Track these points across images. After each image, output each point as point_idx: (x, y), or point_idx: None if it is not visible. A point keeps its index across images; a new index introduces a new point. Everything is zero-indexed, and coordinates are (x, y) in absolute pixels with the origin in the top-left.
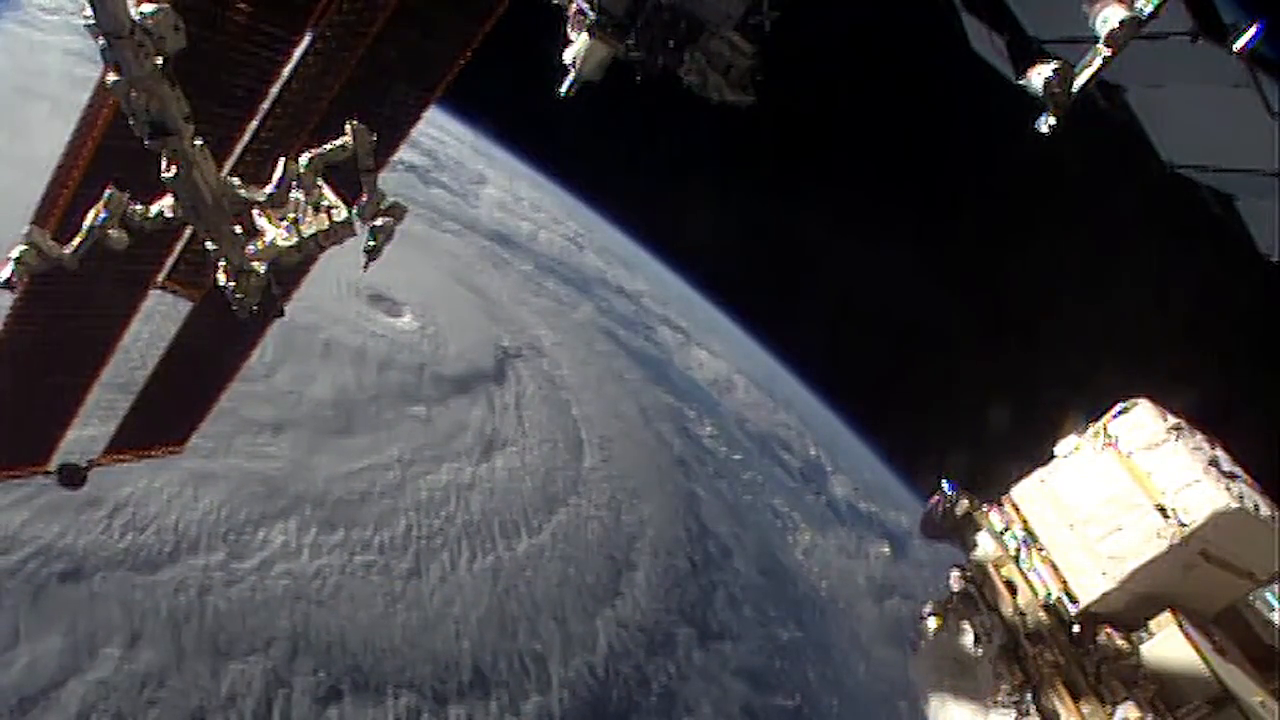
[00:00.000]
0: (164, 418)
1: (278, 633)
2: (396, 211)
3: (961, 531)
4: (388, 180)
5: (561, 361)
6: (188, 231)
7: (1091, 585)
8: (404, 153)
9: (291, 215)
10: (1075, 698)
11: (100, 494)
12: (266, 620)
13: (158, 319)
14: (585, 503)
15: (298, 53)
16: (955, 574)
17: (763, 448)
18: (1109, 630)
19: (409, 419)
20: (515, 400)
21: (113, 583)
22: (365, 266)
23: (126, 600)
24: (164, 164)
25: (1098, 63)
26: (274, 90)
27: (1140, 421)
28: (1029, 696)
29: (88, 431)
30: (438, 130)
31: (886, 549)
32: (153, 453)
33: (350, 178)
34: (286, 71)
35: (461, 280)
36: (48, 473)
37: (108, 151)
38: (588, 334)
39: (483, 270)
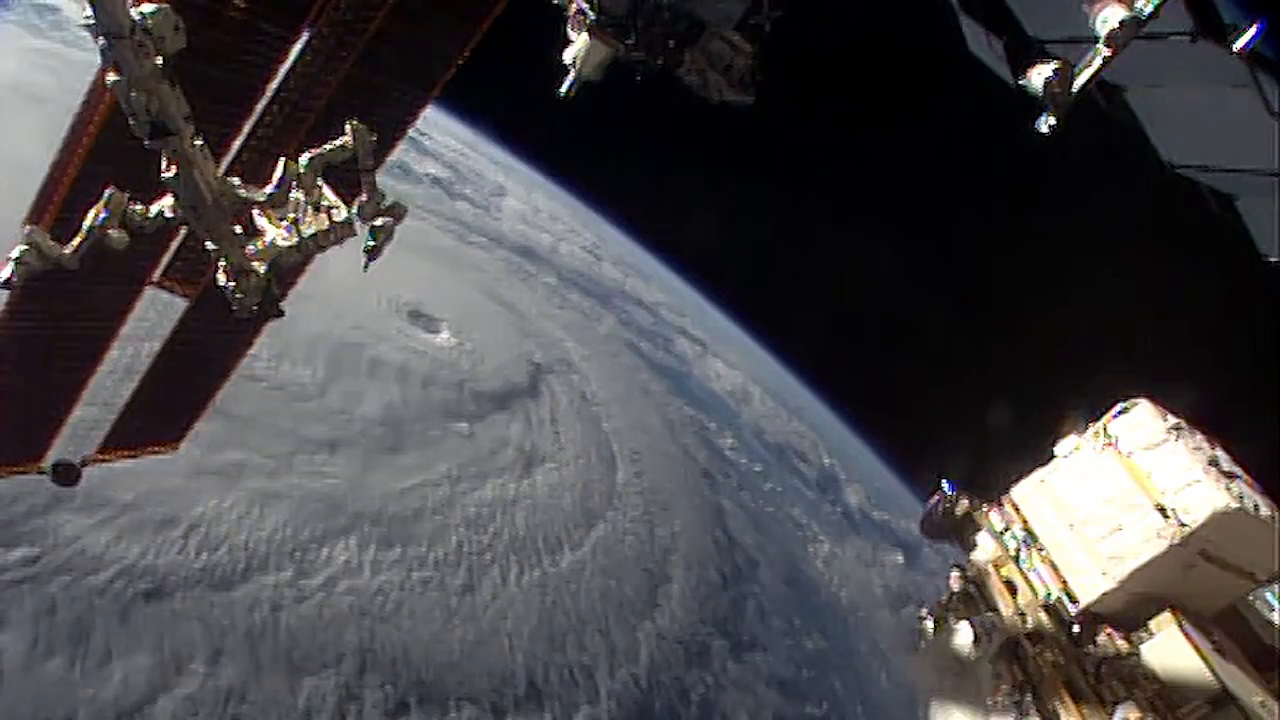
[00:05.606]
0: (159, 416)
1: (346, 648)
2: (396, 211)
3: (961, 531)
4: (416, 194)
5: (590, 376)
6: (183, 230)
7: (1091, 585)
8: (429, 165)
9: (291, 215)
10: (1075, 698)
11: (175, 514)
12: (335, 636)
13: (153, 317)
14: (621, 516)
15: (295, 50)
16: (955, 574)
17: (780, 458)
18: (1109, 630)
19: (453, 436)
20: (550, 415)
21: (192, 601)
22: (365, 266)
23: (206, 618)
24: (164, 164)
25: (1098, 63)
26: (271, 88)
27: (1140, 421)
28: (1029, 697)
29: (82, 429)
30: (455, 140)
31: (900, 558)
32: (148, 451)
33: (350, 177)
34: (284, 69)
35: (491, 295)
36: (41, 470)
37: (103, 149)
38: (612, 347)
39: (510, 284)
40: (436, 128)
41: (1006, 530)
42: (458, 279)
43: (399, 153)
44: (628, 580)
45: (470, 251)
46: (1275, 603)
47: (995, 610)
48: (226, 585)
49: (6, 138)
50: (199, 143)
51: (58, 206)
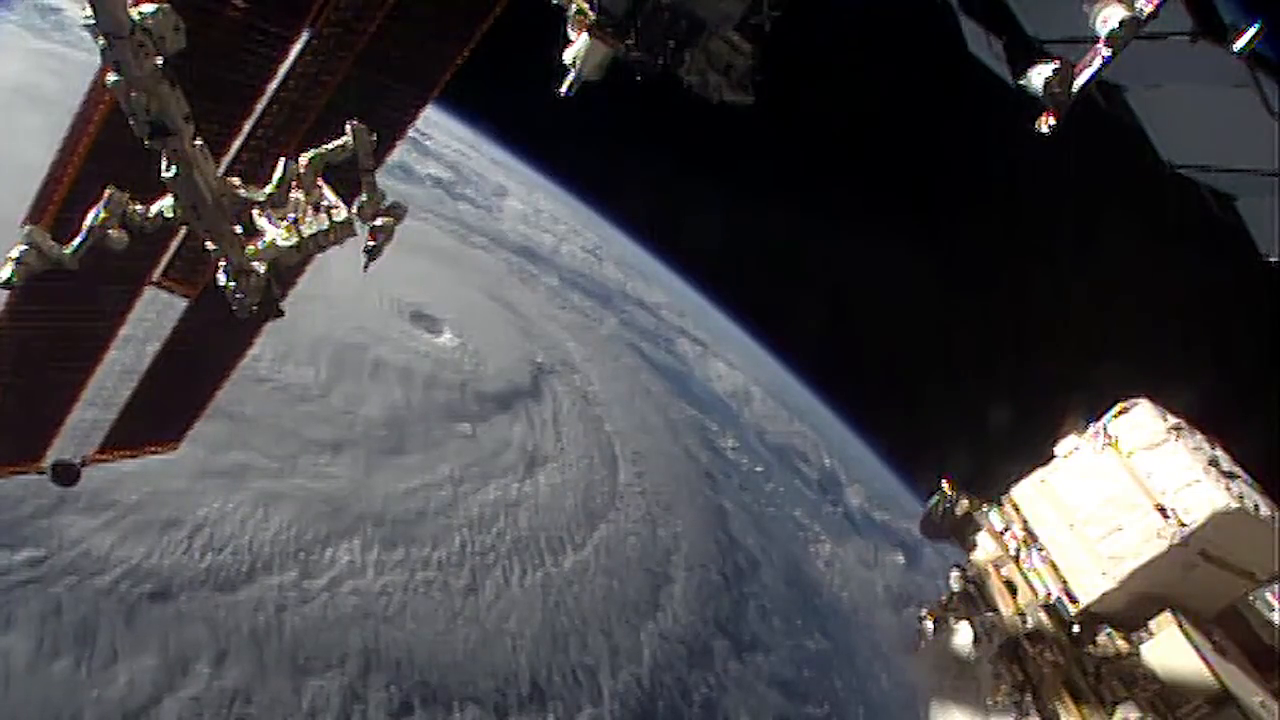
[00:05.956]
0: (158, 416)
1: (350, 650)
2: (396, 211)
3: (961, 531)
4: (418, 195)
5: (592, 377)
6: (183, 230)
7: (1091, 585)
8: (430, 166)
9: (291, 215)
10: (1075, 698)
11: (179, 515)
12: (339, 637)
13: (153, 317)
14: (623, 517)
15: (295, 50)
16: (955, 574)
17: (781, 459)
18: (1109, 630)
19: (456, 437)
20: (553, 416)
21: (197, 602)
22: (365, 267)
23: (211, 619)
24: (164, 164)
25: (1098, 63)
26: (271, 88)
27: (1140, 421)
28: (1029, 697)
29: (82, 429)
30: (457, 141)
31: (901, 558)
32: (147, 452)
33: (350, 177)
34: (284, 69)
35: (494, 296)
36: (40, 471)
37: (103, 149)
38: (614, 348)
39: (512, 285)
40: (438, 128)
41: (1006, 530)
42: (460, 280)
43: (401, 153)
44: (630, 581)
45: (472, 253)
46: (1275, 603)
47: (995, 610)
48: (231, 586)
49: (9, 139)
50: (199, 143)
51: (58, 206)
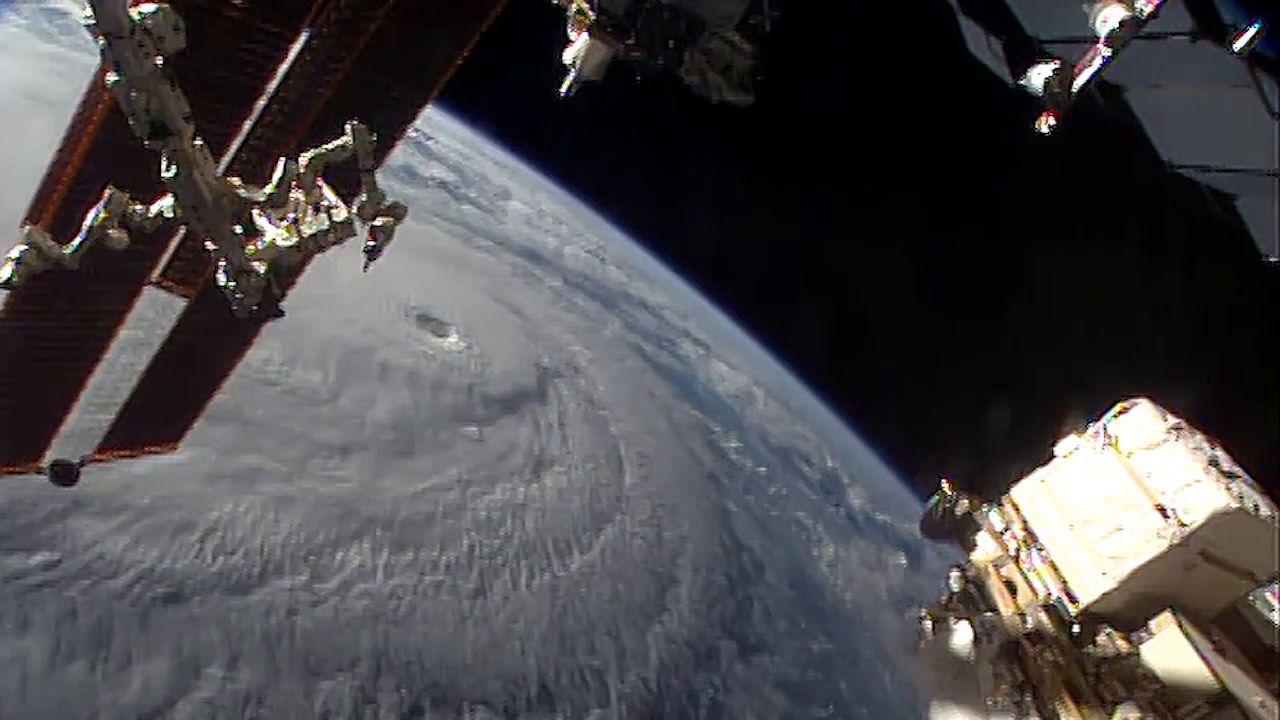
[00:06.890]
0: (158, 416)
1: (361, 652)
2: (396, 211)
3: (961, 531)
4: (422, 197)
5: (597, 379)
6: (183, 230)
7: (1091, 585)
8: (434, 169)
9: (291, 215)
10: (1075, 698)
11: (191, 518)
12: (350, 640)
13: (153, 316)
14: (629, 520)
15: (295, 50)
16: (955, 574)
17: (784, 461)
18: (1109, 630)
19: (463, 440)
20: (558, 419)
21: (210, 605)
22: (365, 266)
23: (224, 622)
24: (164, 164)
25: (1098, 63)
26: (271, 88)
27: (1140, 421)
28: (1029, 697)
29: (82, 429)
30: (460, 143)
31: (903, 559)
32: (147, 451)
33: (350, 177)
34: (284, 69)
35: (499, 299)
36: (39, 470)
37: (103, 149)
38: (618, 350)
39: (516, 288)
40: (441, 130)
41: (1006, 530)
42: (465, 282)
43: (404, 156)
44: (636, 583)
45: (476, 255)
46: (1275, 603)
47: (995, 610)
48: (243, 589)
49: (15, 141)
50: (199, 143)
51: (58, 206)
